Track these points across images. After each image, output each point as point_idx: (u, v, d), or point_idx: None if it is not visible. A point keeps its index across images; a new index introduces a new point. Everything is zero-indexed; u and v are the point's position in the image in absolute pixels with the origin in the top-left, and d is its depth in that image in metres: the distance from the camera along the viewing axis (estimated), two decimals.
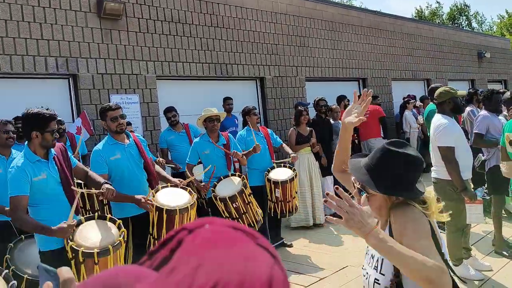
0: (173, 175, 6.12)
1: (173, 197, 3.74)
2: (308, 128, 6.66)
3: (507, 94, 5.25)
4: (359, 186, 1.82)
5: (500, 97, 5.26)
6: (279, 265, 0.44)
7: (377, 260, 1.80)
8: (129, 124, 5.13)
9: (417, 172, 1.81)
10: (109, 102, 5.39)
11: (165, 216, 3.54)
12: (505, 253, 4.95)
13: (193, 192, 3.92)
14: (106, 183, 3.28)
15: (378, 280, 1.77)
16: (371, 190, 1.77)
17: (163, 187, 3.85)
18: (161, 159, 5.25)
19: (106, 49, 6.54)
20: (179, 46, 7.43)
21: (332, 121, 7.54)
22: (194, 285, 0.40)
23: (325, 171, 6.91)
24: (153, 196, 3.66)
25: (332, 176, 6.87)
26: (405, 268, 1.53)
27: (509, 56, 18.42)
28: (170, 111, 6.13)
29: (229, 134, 5.04)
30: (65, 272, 0.57)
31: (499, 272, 4.56)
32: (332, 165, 2.24)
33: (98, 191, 3.25)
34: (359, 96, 2.07)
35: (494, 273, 4.55)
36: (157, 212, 3.57)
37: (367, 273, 1.87)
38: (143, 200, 3.58)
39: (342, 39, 10.67)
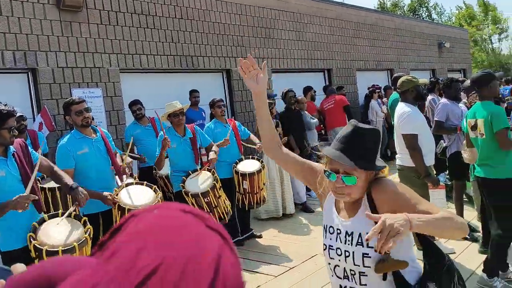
0: (141, 168, 6.04)
1: (136, 195, 3.69)
2: (274, 120, 6.67)
3: (467, 82, 5.42)
4: (342, 171, 1.79)
5: (459, 85, 5.43)
6: (229, 246, 0.44)
7: (359, 236, 1.81)
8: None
9: (380, 145, 1.89)
10: (71, 96, 5.24)
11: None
12: (467, 236, 5.12)
13: (158, 190, 3.88)
14: (77, 187, 3.18)
15: (367, 254, 1.78)
16: (356, 172, 1.78)
17: (128, 184, 3.79)
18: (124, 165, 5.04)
19: (66, 42, 6.34)
20: (143, 38, 7.28)
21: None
22: (135, 267, 0.39)
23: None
24: (116, 195, 3.60)
25: None
26: (438, 230, 1.67)
27: (467, 46, 19.02)
28: (135, 104, 6.01)
29: (195, 126, 4.98)
30: (19, 267, 0.55)
31: (462, 254, 4.73)
32: (263, 145, 2.17)
33: (74, 206, 3.16)
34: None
35: (457, 256, 4.72)
36: (119, 212, 3.51)
37: (344, 251, 1.84)
38: (109, 197, 3.51)
39: (307, 30, 10.74)
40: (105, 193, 3.57)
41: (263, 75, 1.97)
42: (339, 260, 1.87)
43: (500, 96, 10.03)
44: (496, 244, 3.90)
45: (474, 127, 3.99)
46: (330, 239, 1.91)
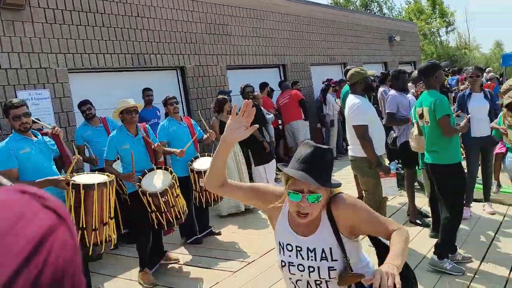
0: (93, 171, 5.85)
1: (90, 178, 3.71)
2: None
3: (415, 73, 5.60)
4: (307, 191, 1.84)
5: (406, 76, 5.59)
6: (66, 227, 0.42)
7: (323, 251, 1.90)
8: (35, 121, 4.66)
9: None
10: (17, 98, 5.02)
11: (82, 193, 3.41)
12: (418, 221, 5.31)
13: (110, 175, 3.85)
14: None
15: (332, 267, 1.88)
16: (320, 190, 1.85)
17: (78, 174, 3.80)
18: (78, 156, 4.85)
19: (9, 42, 6.06)
20: (92, 37, 7.07)
21: None
22: None
23: (258, 160, 6.97)
24: (70, 177, 3.55)
25: (263, 165, 6.95)
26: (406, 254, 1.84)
27: (417, 39, 19.65)
28: (84, 104, 5.81)
29: (146, 125, 4.88)
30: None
31: (414, 240, 4.89)
32: (205, 180, 2.07)
33: None
34: (240, 112, 1.92)
35: (410, 241, 4.87)
36: (73, 191, 3.45)
37: (308, 267, 1.92)
38: (61, 178, 3.48)
39: (261, 26, 10.76)
40: (56, 177, 3.56)
41: (245, 132, 1.91)
42: (302, 275, 1.96)
43: (448, 86, 10.44)
44: (445, 227, 4.06)
45: (422, 116, 4.14)
46: (289, 256, 1.98)
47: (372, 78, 5.01)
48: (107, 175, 3.84)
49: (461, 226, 5.07)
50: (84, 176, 3.77)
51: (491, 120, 5.22)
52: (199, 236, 5.53)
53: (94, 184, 3.50)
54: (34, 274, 0.38)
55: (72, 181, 3.50)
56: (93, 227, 3.55)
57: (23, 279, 0.37)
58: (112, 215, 3.83)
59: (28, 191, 0.42)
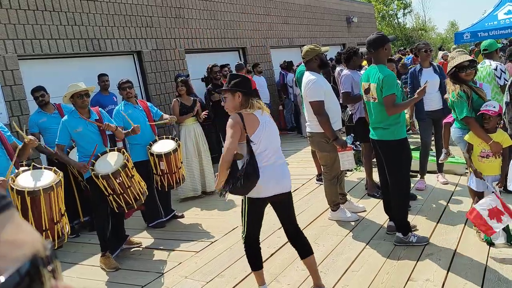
0: (49, 159, 5.70)
1: (35, 179, 3.52)
2: (192, 98, 6.61)
3: (364, 49, 5.67)
4: None
5: (358, 53, 5.66)
6: None
7: None
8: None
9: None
10: None
11: (28, 199, 3.30)
12: (376, 194, 5.47)
13: (58, 171, 3.72)
14: None
15: None
16: None
17: (24, 171, 3.59)
18: (31, 137, 4.52)
19: None
20: (42, 22, 6.81)
21: None
22: None
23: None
24: (13, 181, 3.39)
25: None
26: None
27: (374, 20, 19.96)
28: (37, 91, 5.61)
29: (100, 109, 4.76)
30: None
31: (372, 211, 5.05)
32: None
33: None
34: None
35: (368, 213, 5.03)
36: (19, 197, 3.32)
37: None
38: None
39: (218, 9, 10.66)
40: None
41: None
42: None
43: (404, 63, 10.70)
44: (397, 205, 4.10)
45: (367, 91, 4.07)
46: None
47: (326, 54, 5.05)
48: (54, 170, 3.70)
49: (417, 196, 5.28)
50: (31, 174, 3.60)
51: (442, 94, 5.40)
52: (163, 219, 5.50)
53: (39, 190, 3.37)
54: None
55: (16, 187, 3.35)
56: (44, 228, 3.45)
57: None
58: (63, 210, 3.71)
59: None
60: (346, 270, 3.72)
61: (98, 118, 4.52)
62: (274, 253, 4.24)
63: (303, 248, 3.29)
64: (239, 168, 3.08)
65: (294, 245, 3.32)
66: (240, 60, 11.30)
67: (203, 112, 6.51)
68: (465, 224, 4.33)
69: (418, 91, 3.98)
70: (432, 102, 5.47)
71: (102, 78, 6.90)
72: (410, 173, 4.38)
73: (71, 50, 7.20)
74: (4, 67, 6.25)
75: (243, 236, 3.29)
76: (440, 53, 12.43)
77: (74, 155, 4.88)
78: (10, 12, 6.41)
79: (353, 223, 4.76)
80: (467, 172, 5.79)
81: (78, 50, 7.31)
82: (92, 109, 4.56)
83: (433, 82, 5.41)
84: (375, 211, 5.03)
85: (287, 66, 11.11)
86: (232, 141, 3.05)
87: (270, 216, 5.29)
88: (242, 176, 3.00)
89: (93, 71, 7.17)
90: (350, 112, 5.69)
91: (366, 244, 4.20)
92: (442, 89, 5.40)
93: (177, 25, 9.35)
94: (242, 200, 3.24)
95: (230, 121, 3.12)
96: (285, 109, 11.52)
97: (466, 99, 3.91)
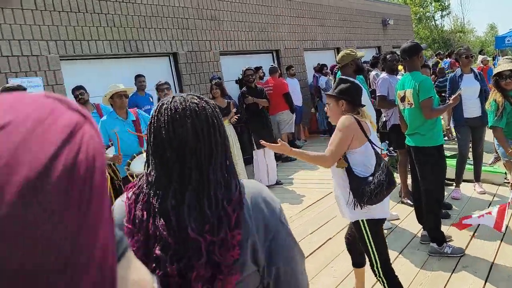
0: None
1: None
2: (226, 100, 6.68)
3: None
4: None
5: (395, 57, 5.59)
6: (91, 124, 0.45)
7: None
8: None
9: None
10: None
11: None
12: (410, 202, 5.37)
13: None
14: None
15: None
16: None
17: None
18: None
19: None
20: (83, 24, 7.03)
21: None
22: None
23: (258, 143, 6.97)
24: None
25: (263, 149, 6.92)
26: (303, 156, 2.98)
27: (410, 22, 19.60)
28: (78, 89, 5.83)
29: (138, 110, 4.89)
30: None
31: (406, 219, 4.97)
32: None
33: None
34: None
35: (401, 221, 4.95)
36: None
37: None
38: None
39: (253, 11, 10.71)
40: None
41: None
42: None
43: (441, 67, 10.46)
44: (429, 216, 4.03)
45: (403, 99, 4.07)
46: None
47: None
48: None
49: (452, 205, 5.16)
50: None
51: (482, 101, 5.26)
52: None
53: None
54: (70, 159, 0.40)
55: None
56: None
57: (60, 164, 0.39)
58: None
59: (52, 96, 0.44)
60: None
61: (135, 119, 4.63)
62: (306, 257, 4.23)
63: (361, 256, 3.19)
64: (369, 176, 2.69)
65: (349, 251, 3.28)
66: (274, 62, 11.31)
67: (234, 116, 6.57)
68: (503, 236, 4.20)
69: (453, 97, 3.95)
70: (471, 109, 5.34)
71: (139, 79, 7.06)
72: (445, 181, 4.30)
73: (110, 51, 7.40)
74: (47, 67, 6.48)
75: (380, 266, 2.84)
76: (480, 57, 12.07)
77: (110, 154, 5.01)
78: (53, 14, 6.64)
79: (386, 231, 4.70)
80: (506, 182, 5.64)
81: (116, 51, 7.50)
82: (130, 110, 4.68)
83: (473, 89, 5.28)
84: (409, 219, 4.95)
85: (320, 69, 11.06)
86: (342, 146, 2.72)
87: (302, 221, 5.30)
88: (384, 181, 2.58)
89: (131, 72, 7.34)
90: (384, 119, 5.61)
91: (399, 253, 4.13)
92: (482, 96, 5.27)
93: (213, 27, 9.45)
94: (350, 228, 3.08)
95: (343, 123, 2.73)
96: (318, 112, 11.46)
97: (495, 109, 3.88)
